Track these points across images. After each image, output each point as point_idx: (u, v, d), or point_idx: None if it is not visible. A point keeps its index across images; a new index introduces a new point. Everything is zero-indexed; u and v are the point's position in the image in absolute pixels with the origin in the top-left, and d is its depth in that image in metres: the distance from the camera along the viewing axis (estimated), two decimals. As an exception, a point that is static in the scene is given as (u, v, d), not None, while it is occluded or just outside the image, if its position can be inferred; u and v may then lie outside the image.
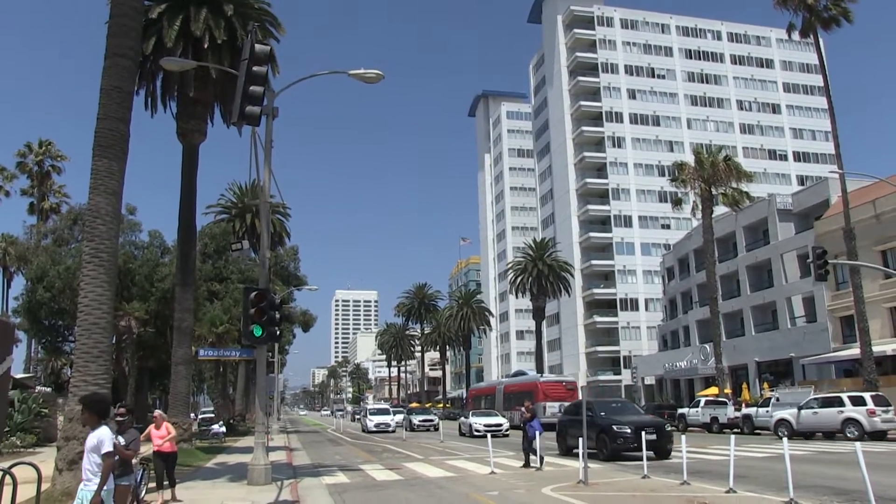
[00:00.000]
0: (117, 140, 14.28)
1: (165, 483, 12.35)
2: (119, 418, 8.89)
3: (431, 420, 43.70)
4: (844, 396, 27.01)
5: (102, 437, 6.73)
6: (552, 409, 40.23)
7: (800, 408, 27.85)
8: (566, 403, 43.15)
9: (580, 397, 48.99)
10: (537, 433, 17.73)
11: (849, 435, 25.52)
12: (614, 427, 19.18)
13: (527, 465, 17.55)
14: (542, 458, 17.55)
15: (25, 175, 50.59)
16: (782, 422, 28.00)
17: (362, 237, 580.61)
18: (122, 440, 8.25)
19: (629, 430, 18.73)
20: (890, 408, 26.14)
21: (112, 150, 14.15)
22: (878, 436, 25.43)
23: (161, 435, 12.37)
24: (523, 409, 19.36)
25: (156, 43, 22.03)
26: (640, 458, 15.72)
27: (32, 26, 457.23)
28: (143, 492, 12.05)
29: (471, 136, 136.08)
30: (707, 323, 47.79)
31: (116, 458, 7.86)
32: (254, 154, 14.45)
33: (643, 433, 17.13)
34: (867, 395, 26.54)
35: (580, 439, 19.15)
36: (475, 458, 21.16)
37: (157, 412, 12.92)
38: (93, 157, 14.12)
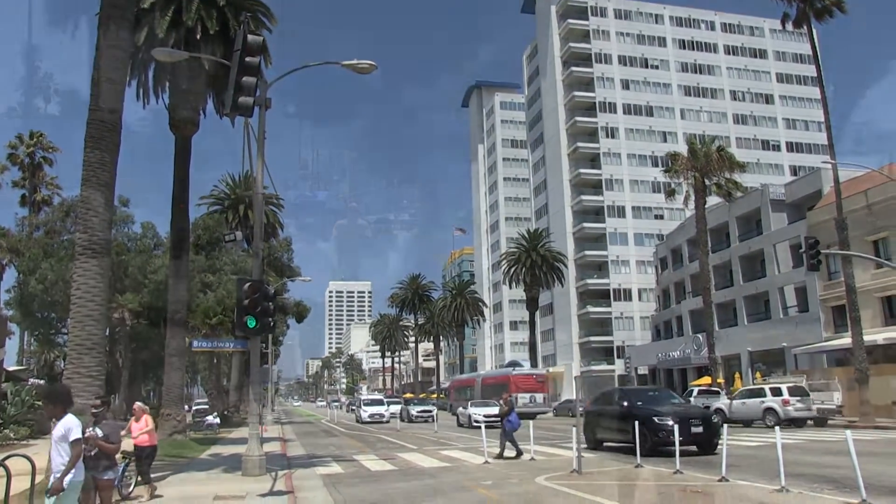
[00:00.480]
0: (109, 131, 14.21)
1: (153, 475, 12.27)
2: (94, 410, 8.73)
3: (430, 411, 43.63)
4: (766, 388, 29.30)
5: (70, 425, 6.58)
6: (523, 399, 44.61)
7: (732, 398, 30.54)
8: (536, 394, 46.31)
9: (548, 389, 52.10)
10: (518, 426, 17.96)
11: (767, 423, 26.98)
12: (655, 418, 16.92)
13: (518, 454, 17.62)
14: (501, 454, 17.75)
15: (17, 167, 50.17)
16: (718, 410, 29.93)
17: (356, 228, 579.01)
18: (99, 432, 8.08)
19: (672, 422, 16.38)
20: (807, 398, 28.36)
21: (104, 141, 14.09)
22: (798, 423, 27.68)
23: (140, 427, 12.08)
24: (501, 401, 19.39)
25: (147, 33, 21.90)
26: (684, 454, 14.53)
27: (27, 18, 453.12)
28: (133, 486, 12.01)
29: (464, 127, 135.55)
30: (700, 313, 48.03)
31: (95, 450, 7.79)
32: (246, 145, 14.44)
33: (689, 425, 15.48)
34: (783, 387, 28.78)
35: (614, 432, 19.06)
36: (469, 448, 21.26)
37: (137, 404, 12.69)
38: (85, 149, 14.06)
